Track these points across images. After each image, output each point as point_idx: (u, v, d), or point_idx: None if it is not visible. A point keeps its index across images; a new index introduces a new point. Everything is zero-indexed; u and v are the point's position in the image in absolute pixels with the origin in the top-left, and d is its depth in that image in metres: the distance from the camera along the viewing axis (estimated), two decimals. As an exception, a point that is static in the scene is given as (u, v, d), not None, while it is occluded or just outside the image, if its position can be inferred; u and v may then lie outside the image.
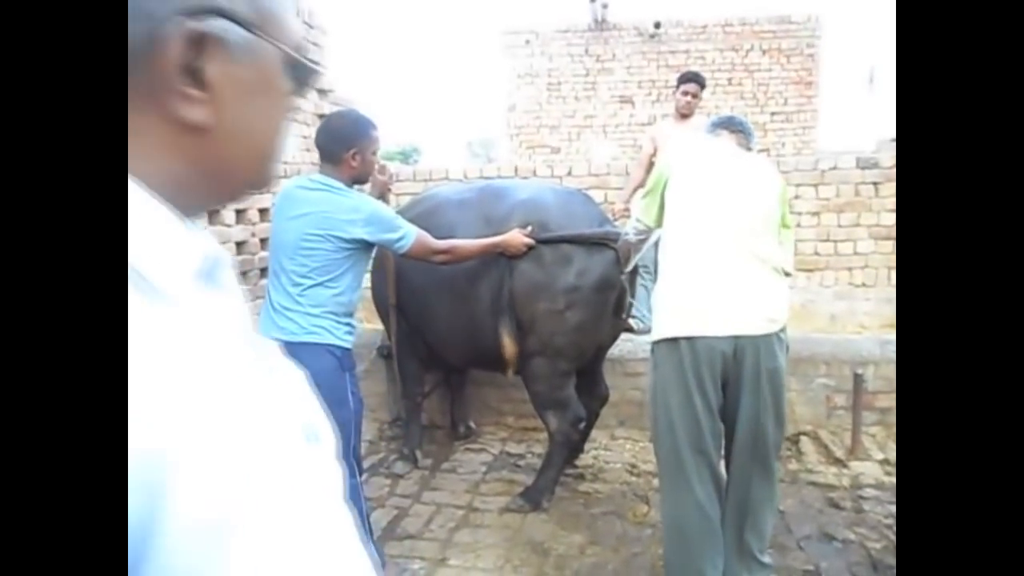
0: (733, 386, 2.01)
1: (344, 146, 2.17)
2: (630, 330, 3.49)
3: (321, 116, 4.45)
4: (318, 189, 2.17)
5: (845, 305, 4.03)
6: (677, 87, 3.84)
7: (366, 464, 3.35)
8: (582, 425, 2.82)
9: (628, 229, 2.48)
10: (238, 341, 0.44)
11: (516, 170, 4.31)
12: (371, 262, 2.77)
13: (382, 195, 2.84)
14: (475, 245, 2.53)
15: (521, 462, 3.35)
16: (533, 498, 2.81)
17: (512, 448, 3.52)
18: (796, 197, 4.05)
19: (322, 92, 4.42)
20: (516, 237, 2.57)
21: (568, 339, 2.63)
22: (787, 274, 2.12)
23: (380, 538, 2.63)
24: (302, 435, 0.46)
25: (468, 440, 3.60)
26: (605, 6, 7.53)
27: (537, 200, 2.73)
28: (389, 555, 2.52)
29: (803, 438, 3.41)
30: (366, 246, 2.21)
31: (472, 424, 3.66)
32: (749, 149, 2.30)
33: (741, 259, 1.97)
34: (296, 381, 0.51)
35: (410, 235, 2.26)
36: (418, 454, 3.33)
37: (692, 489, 1.98)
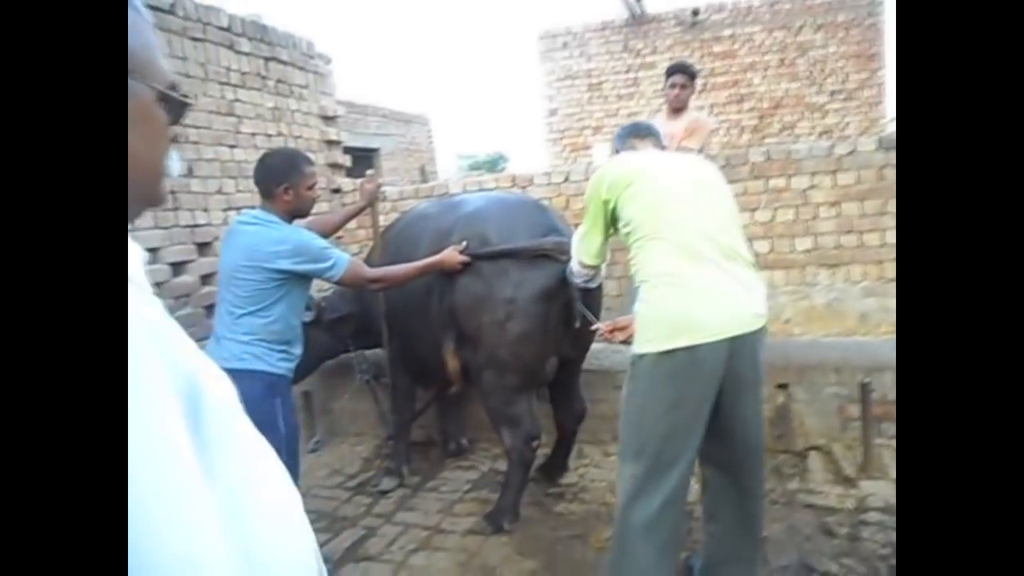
0: (732, 387, 1.88)
1: (276, 182, 2.25)
2: (627, 342, 3.33)
3: (328, 143, 4.62)
4: (252, 223, 2.26)
5: (876, 302, 3.62)
6: (665, 80, 3.62)
7: (356, 482, 3.41)
8: (536, 443, 2.71)
9: (574, 280, 2.36)
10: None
11: (513, 180, 4.24)
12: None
13: (370, 204, 2.94)
14: (410, 268, 2.53)
15: (507, 480, 3.27)
16: (495, 520, 2.74)
17: (502, 466, 3.41)
18: (811, 187, 3.70)
19: (327, 119, 4.57)
20: (451, 255, 2.54)
21: (512, 351, 2.56)
22: None
23: (340, 559, 2.66)
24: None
25: (459, 457, 3.56)
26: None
27: (479, 213, 2.70)
28: (341, 577, 2.54)
29: (812, 453, 3.09)
30: (298, 277, 2.25)
31: (464, 441, 3.62)
32: (664, 149, 2.17)
33: (722, 258, 1.87)
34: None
35: (340, 265, 2.28)
36: (405, 471, 3.34)
37: (652, 509, 1.85)
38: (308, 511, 2.53)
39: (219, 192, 3.51)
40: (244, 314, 2.20)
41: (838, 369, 3.08)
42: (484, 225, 2.63)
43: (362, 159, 12.26)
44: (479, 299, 2.57)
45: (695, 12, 7.19)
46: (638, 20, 7.51)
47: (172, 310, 3.17)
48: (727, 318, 1.81)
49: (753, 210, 3.76)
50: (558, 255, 2.52)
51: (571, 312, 2.60)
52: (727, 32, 7.17)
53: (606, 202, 2.00)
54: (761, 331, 1.89)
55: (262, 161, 2.35)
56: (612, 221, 2.03)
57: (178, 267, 3.22)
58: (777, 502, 2.78)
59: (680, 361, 1.78)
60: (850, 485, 2.82)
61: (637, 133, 2.21)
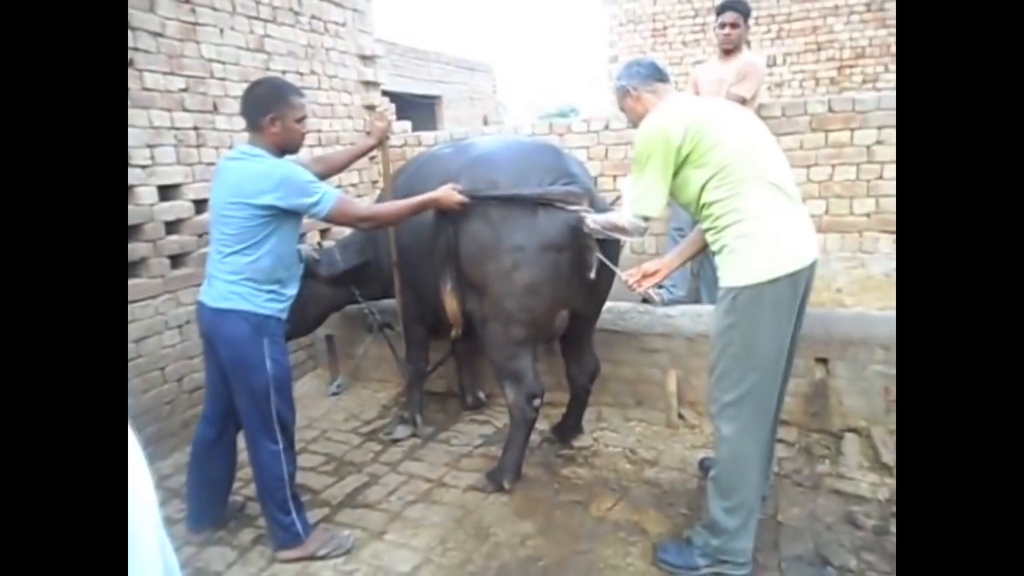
0: (799, 305, 2.05)
1: (262, 112, 2.16)
2: (650, 301, 3.12)
3: (366, 83, 4.50)
4: (238, 159, 2.19)
5: (943, 275, 3.24)
6: (715, 19, 3.27)
7: (370, 428, 3.39)
8: (537, 401, 2.58)
9: (629, 232, 2.20)
10: None
11: (550, 127, 4.01)
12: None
13: (381, 142, 2.85)
14: (403, 206, 2.40)
15: (520, 438, 3.17)
16: (495, 478, 2.66)
17: (517, 423, 3.34)
18: (878, 142, 3.32)
19: (365, 59, 4.43)
20: (448, 193, 2.40)
21: (519, 302, 2.43)
22: None
23: (339, 504, 2.66)
24: None
25: (476, 411, 3.49)
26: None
27: (489, 156, 2.55)
28: (338, 522, 2.53)
29: (848, 436, 2.83)
30: (285, 213, 2.16)
31: (482, 395, 3.54)
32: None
33: (792, 192, 2.02)
34: None
35: (327, 200, 2.17)
36: (419, 420, 3.30)
37: (767, 421, 2.05)
38: (318, 454, 2.49)
39: (245, 130, 3.46)
40: (231, 253, 2.14)
41: (887, 346, 2.78)
42: (492, 168, 2.48)
43: (424, 106, 12.18)
44: (485, 247, 2.43)
45: (774, -52, 6.55)
46: (711, -42, 6.92)
47: (194, 247, 3.19)
48: (812, 244, 2.00)
49: (808, 167, 3.41)
50: (564, 205, 2.34)
51: (585, 262, 2.43)
52: (809, -29, 6.52)
53: (679, 148, 1.95)
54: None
55: (248, 90, 2.24)
56: (677, 170, 1.99)
57: (201, 204, 3.21)
58: (801, 485, 2.58)
59: (782, 288, 1.91)
60: (886, 473, 2.57)
61: (660, 77, 2.13)
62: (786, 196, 1.96)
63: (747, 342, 1.94)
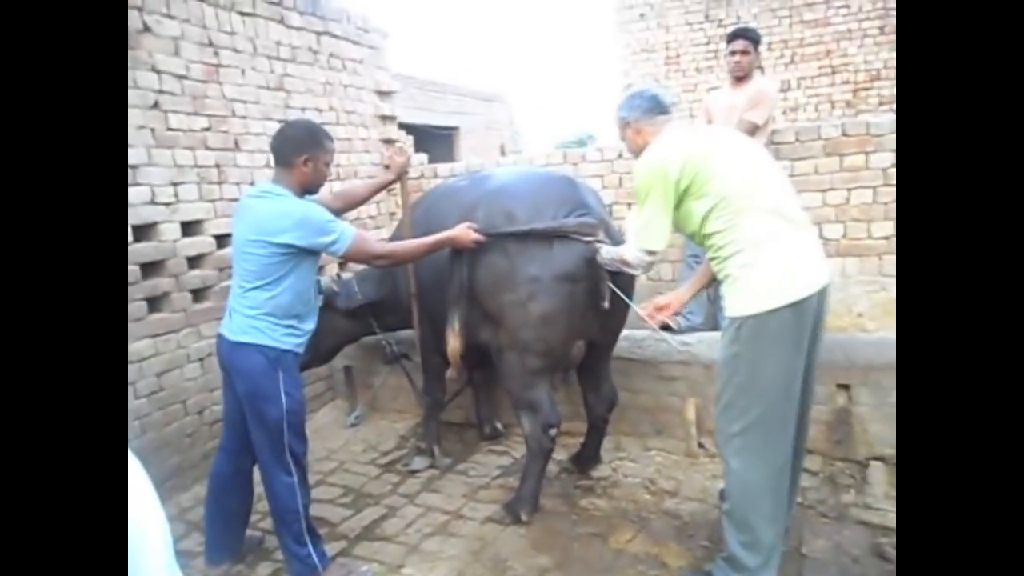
0: (814, 330, 2.00)
1: (297, 151, 2.21)
2: (668, 329, 3.10)
3: (383, 118, 4.60)
4: (261, 197, 2.24)
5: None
6: (726, 46, 3.30)
7: (388, 459, 3.39)
8: (554, 431, 2.56)
9: (634, 267, 2.22)
10: None
11: (564, 156, 4.05)
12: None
13: (399, 177, 2.90)
14: (419, 244, 2.44)
15: (538, 468, 3.14)
16: (513, 510, 2.64)
17: (535, 453, 3.32)
18: (894, 165, 3.28)
19: (382, 95, 4.54)
20: (464, 232, 2.43)
21: (535, 333, 2.43)
22: None
23: (356, 537, 2.65)
24: None
25: (494, 441, 3.48)
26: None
27: (505, 189, 2.57)
28: (355, 555, 2.52)
29: (874, 464, 2.76)
30: (304, 251, 2.21)
31: (499, 425, 3.53)
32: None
33: (798, 218, 2.00)
34: None
35: (344, 239, 2.21)
36: (436, 451, 3.29)
37: (778, 453, 1.97)
38: (336, 485, 2.51)
39: (267, 166, 3.54)
40: (251, 288, 2.18)
41: (910, 371, 2.72)
42: (509, 201, 2.51)
43: (441, 137, 12.36)
44: (502, 277, 2.45)
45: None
46: (722, -13, 7.01)
47: (215, 281, 3.26)
48: (820, 270, 1.95)
49: (824, 191, 3.39)
50: (579, 236, 2.36)
51: (599, 293, 2.43)
52: (822, -4, 6.56)
53: (678, 182, 1.96)
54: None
55: (283, 129, 2.32)
56: (679, 202, 2.00)
57: (222, 239, 3.28)
58: (826, 516, 2.51)
59: (786, 317, 1.87)
60: (915, 503, 2.50)
61: (661, 110, 2.12)
62: (789, 223, 1.94)
63: (752, 372, 1.92)
